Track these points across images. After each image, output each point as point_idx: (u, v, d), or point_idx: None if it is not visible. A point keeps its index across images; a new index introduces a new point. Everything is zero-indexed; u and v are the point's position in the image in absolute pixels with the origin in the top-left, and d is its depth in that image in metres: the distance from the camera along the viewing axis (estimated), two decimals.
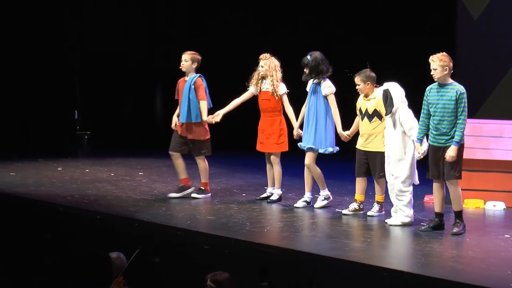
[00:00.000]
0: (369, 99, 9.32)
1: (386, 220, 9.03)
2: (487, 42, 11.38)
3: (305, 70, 9.72)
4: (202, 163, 10.22)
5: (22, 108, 14.37)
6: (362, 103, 9.40)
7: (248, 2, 15.67)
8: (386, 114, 8.96)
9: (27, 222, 9.69)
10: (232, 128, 14.34)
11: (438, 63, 8.50)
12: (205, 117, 9.99)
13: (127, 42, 15.68)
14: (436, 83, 8.61)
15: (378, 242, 8.35)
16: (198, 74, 10.13)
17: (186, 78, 10.16)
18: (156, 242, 8.44)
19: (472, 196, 10.07)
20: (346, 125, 9.64)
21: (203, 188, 10.29)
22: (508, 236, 8.53)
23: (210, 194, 10.35)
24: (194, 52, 10.19)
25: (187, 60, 10.12)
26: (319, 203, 9.78)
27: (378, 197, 9.41)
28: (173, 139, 10.25)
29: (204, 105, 10.04)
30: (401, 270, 7.12)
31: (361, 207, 9.50)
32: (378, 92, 9.25)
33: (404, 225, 8.88)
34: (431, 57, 8.59)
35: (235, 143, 14.16)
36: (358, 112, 9.46)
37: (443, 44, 12.64)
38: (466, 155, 10.05)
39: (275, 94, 9.98)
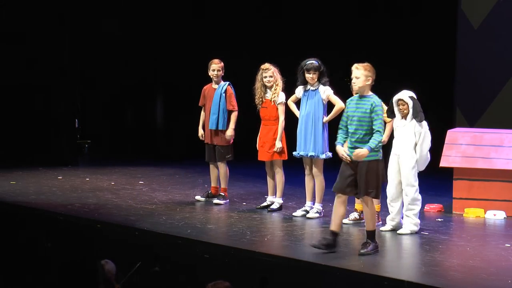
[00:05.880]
0: None
1: (381, 228, 9.02)
2: (487, 51, 11.42)
3: (312, 74, 9.60)
4: (224, 168, 10.45)
5: (23, 116, 14.35)
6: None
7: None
8: (420, 121, 8.87)
9: (27, 230, 9.68)
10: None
11: (363, 71, 7.97)
12: (231, 130, 10.29)
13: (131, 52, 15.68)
14: (357, 95, 8.14)
15: (378, 251, 8.34)
16: (228, 82, 10.40)
17: (214, 86, 10.40)
18: (157, 251, 8.43)
19: (473, 205, 10.06)
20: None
21: (223, 194, 10.49)
22: (509, 245, 8.53)
23: (228, 200, 10.55)
24: (221, 60, 10.42)
25: (220, 70, 10.34)
26: (311, 214, 9.74)
27: None
28: (206, 149, 10.51)
29: (235, 115, 10.33)
30: (402, 279, 7.12)
31: (362, 216, 9.48)
32: None
33: (412, 233, 8.88)
34: (355, 64, 8.07)
35: (236, 152, 14.15)
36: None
37: (443, 53, 12.71)
38: (466, 164, 10.10)
39: (273, 102, 10.00)
